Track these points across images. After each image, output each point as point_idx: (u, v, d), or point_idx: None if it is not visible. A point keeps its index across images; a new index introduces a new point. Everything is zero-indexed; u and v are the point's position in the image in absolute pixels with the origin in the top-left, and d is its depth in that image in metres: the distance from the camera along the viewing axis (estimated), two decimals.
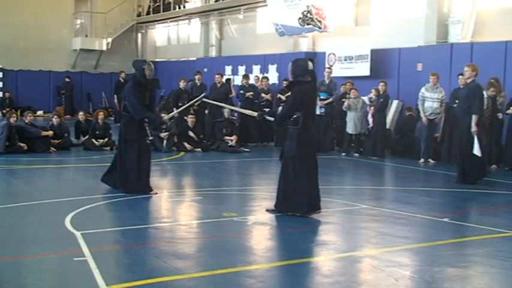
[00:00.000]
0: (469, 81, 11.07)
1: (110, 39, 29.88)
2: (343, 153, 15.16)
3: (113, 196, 9.02)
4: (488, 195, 10.07)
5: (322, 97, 15.91)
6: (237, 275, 5.38)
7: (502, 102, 13.02)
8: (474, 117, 10.75)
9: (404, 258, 6.13)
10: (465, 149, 10.90)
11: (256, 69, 21.58)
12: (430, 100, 13.85)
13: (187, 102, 17.14)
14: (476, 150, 10.71)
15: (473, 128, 10.72)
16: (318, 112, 15.87)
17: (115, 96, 24.16)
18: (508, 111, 12.90)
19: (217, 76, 17.76)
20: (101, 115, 15.51)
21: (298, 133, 7.87)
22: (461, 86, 13.25)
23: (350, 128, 15.14)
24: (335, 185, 10.91)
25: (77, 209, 7.90)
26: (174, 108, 17.19)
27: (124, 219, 7.59)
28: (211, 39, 26.17)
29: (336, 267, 5.84)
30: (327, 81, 16.20)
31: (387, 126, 15.84)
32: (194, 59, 26.10)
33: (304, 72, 8.00)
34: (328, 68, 17.03)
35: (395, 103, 17.00)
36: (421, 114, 13.97)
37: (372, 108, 14.78)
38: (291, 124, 7.98)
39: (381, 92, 14.75)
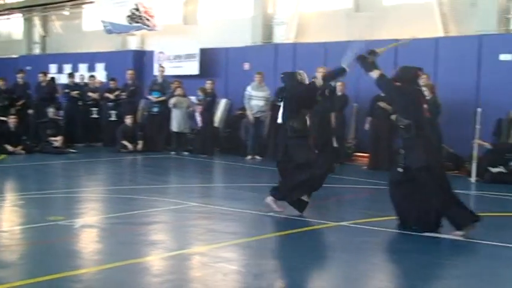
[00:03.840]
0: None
1: None
2: (173, 152, 15.20)
3: None
4: None
5: (155, 96, 15.88)
6: (63, 281, 5.20)
7: None
8: (333, 115, 12.32)
9: (232, 253, 6.28)
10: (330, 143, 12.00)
11: (83, 67, 20.95)
12: (256, 98, 14.33)
13: (7, 103, 16.34)
14: (335, 143, 12.13)
15: (333, 125, 12.24)
16: (154, 111, 15.91)
17: None
18: None
19: (40, 75, 17.06)
20: None
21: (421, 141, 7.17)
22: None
23: (174, 126, 15.26)
24: (164, 184, 10.93)
25: None
26: None
27: None
28: (35, 36, 25.04)
29: (166, 266, 5.85)
30: (160, 80, 16.18)
31: (216, 125, 16.10)
32: (16, 56, 24.79)
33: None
34: (161, 67, 16.95)
35: (223, 102, 17.30)
36: (248, 112, 14.39)
37: (200, 107, 14.96)
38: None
39: (209, 91, 14.96)
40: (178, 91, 15.30)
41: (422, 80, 12.29)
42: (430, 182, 6.94)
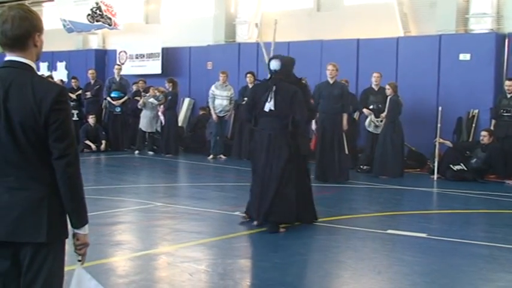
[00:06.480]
0: (333, 80, 11.22)
1: None
2: (137, 152, 15.10)
3: None
4: None
5: (114, 96, 15.69)
6: None
7: None
8: (345, 116, 11.27)
9: (198, 253, 6.27)
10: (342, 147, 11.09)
11: (43, 66, 20.65)
12: (220, 98, 14.31)
13: None
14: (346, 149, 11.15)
15: (346, 127, 11.20)
16: (117, 111, 15.71)
17: None
18: None
19: None
20: None
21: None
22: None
23: (144, 126, 15.14)
24: (129, 184, 10.85)
25: None
26: None
27: None
28: None
29: (131, 266, 5.82)
30: (118, 79, 15.99)
31: (179, 124, 16.05)
32: None
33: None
34: (118, 65, 16.76)
35: (187, 101, 17.26)
36: (212, 111, 14.37)
37: (162, 106, 14.87)
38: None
39: (170, 90, 14.87)
40: (151, 91, 15.21)
41: (375, 79, 12.47)
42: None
